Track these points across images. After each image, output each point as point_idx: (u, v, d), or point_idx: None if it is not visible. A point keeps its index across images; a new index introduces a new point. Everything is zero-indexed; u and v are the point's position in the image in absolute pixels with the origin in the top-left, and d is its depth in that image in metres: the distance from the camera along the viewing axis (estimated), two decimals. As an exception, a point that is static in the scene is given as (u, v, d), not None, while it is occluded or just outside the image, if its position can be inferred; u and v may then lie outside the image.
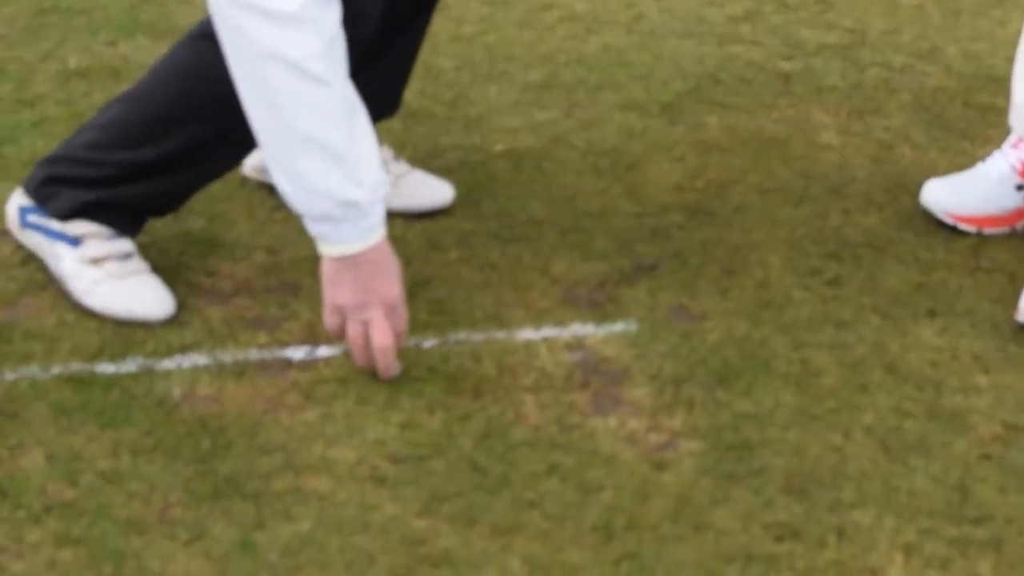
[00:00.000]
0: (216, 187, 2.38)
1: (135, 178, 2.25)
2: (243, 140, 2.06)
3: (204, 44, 2.04)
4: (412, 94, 2.72)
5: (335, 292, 2.08)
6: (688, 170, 2.70)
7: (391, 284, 2.10)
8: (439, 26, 2.89)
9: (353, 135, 2.02)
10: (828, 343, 2.20)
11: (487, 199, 2.59)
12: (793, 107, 2.98)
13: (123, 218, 2.30)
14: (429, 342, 2.18)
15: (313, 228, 2.06)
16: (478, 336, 2.20)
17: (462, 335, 2.21)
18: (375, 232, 2.07)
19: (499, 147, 2.79)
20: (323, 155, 1.99)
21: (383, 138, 2.50)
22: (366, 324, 2.06)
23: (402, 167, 2.54)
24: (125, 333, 2.19)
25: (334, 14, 1.96)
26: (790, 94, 3.03)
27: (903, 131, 2.88)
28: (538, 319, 2.25)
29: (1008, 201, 2.49)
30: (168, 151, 2.22)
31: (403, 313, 2.10)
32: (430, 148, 2.74)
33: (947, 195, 2.50)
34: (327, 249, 2.07)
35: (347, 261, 2.06)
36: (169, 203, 2.35)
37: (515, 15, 3.36)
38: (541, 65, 3.13)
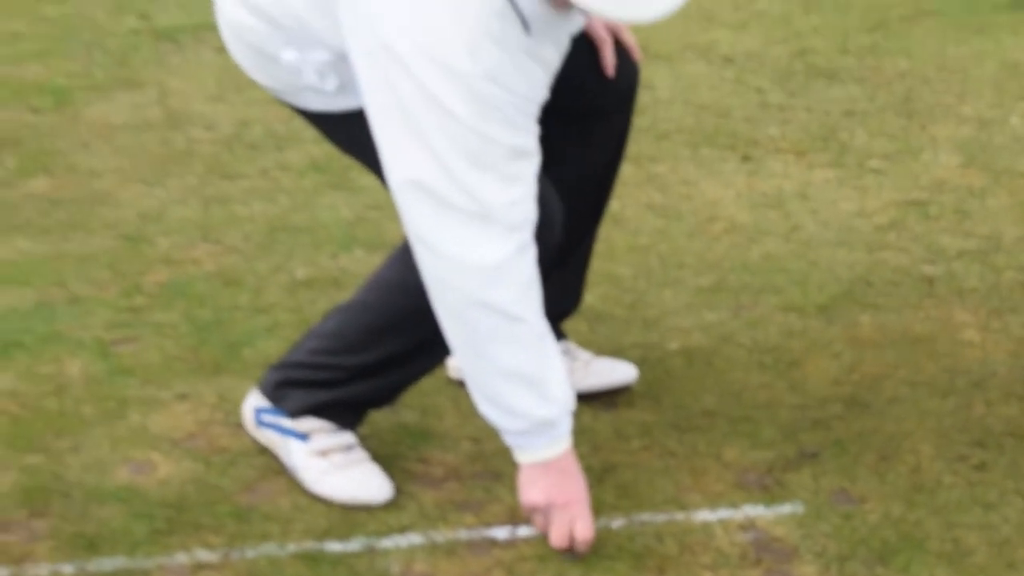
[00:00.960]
0: (426, 382, 2.55)
1: (355, 380, 2.43)
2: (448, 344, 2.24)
3: (411, 260, 2.18)
4: (595, 299, 2.92)
5: (527, 493, 2.24)
6: (844, 365, 2.86)
7: (576, 487, 2.24)
8: (617, 238, 3.12)
9: (545, 360, 2.18)
10: (977, 524, 2.30)
11: (665, 393, 2.76)
12: (937, 308, 3.13)
13: (346, 414, 2.47)
14: (617, 522, 2.33)
15: (510, 440, 2.25)
16: (660, 517, 2.34)
17: (646, 516, 2.34)
18: (563, 441, 2.23)
19: (674, 345, 2.96)
20: (521, 382, 2.15)
21: (572, 338, 2.73)
22: (550, 522, 2.23)
23: (587, 355, 2.73)
24: (350, 515, 2.36)
25: (531, 257, 2.12)
26: (934, 296, 3.19)
27: (1038, 328, 2.96)
28: (713, 501, 2.39)
29: None
30: (384, 355, 2.39)
31: (586, 514, 2.23)
32: (613, 347, 2.90)
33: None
34: (521, 457, 2.24)
35: (539, 467, 2.22)
36: (386, 399, 2.51)
37: (685, 227, 3.52)
38: (709, 271, 3.32)
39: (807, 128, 4.30)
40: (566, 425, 2.25)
